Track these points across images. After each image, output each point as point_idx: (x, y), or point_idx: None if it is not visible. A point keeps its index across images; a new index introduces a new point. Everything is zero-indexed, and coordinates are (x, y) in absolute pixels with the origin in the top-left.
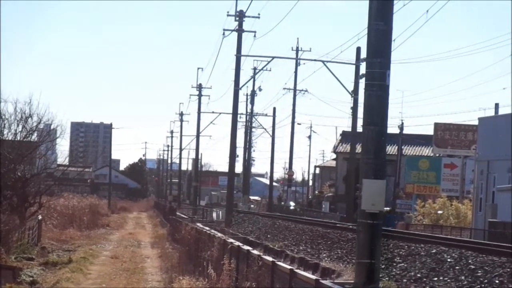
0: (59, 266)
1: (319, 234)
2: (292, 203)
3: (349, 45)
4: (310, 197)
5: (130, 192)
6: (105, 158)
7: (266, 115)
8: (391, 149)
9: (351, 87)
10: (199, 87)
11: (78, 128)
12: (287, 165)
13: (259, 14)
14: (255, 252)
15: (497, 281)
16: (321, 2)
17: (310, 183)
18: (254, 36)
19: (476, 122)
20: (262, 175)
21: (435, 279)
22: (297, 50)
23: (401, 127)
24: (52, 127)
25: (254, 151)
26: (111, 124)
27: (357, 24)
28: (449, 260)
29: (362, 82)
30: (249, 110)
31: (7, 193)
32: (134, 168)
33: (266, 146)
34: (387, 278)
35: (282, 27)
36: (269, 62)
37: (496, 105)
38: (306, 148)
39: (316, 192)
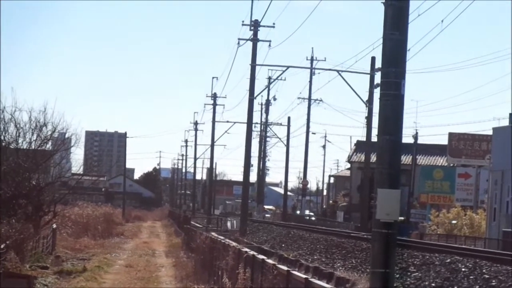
0: (73, 275)
1: (333, 243)
2: (309, 213)
3: (364, 55)
4: (324, 206)
5: (145, 201)
6: (120, 167)
7: (280, 124)
8: (406, 159)
9: (365, 97)
10: (214, 96)
11: (92, 137)
12: (302, 175)
13: (274, 23)
14: (270, 261)
15: None
16: (336, 12)
17: (325, 192)
18: (269, 45)
19: (490, 132)
20: (276, 185)
21: None
22: (311, 60)
23: (415, 137)
24: (66, 136)
25: (268, 160)
26: (125, 133)
27: (372, 34)
28: (463, 269)
29: (376, 92)
30: (263, 120)
31: (22, 201)
32: (149, 177)
33: (281, 156)
34: None
35: (297, 36)
36: (284, 71)
37: (511, 115)
38: (321, 158)
39: (331, 201)
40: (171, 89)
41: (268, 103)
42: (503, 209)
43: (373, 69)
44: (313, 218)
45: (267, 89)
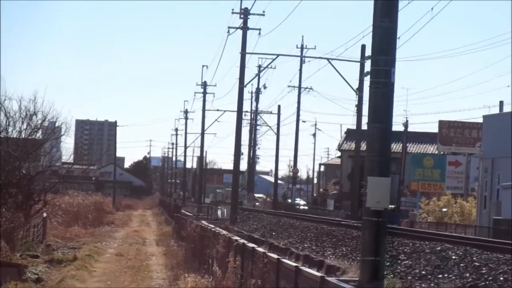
0: (64, 263)
1: (324, 231)
2: (301, 201)
3: (354, 43)
4: (315, 194)
5: (135, 189)
6: (110, 156)
7: (271, 113)
8: (396, 147)
9: (356, 85)
10: (204, 84)
11: (82, 126)
12: (292, 163)
13: (264, 11)
14: (260, 249)
15: (501, 278)
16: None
17: (315, 180)
18: (259, 33)
19: (480, 120)
20: (266, 173)
21: (440, 276)
22: (302, 48)
23: (405, 125)
24: (56, 124)
25: (259, 148)
26: (115, 122)
27: (362, 22)
28: (453, 257)
29: (367, 80)
30: (253, 108)
31: (12, 190)
32: (139, 166)
33: (271, 144)
34: (392, 275)
35: (286, 24)
36: (274, 59)
37: (501, 103)
38: (311, 146)
39: (321, 189)
40: (161, 77)
41: (258, 91)
42: (494, 197)
43: (363, 57)
44: (306, 207)
45: (257, 77)
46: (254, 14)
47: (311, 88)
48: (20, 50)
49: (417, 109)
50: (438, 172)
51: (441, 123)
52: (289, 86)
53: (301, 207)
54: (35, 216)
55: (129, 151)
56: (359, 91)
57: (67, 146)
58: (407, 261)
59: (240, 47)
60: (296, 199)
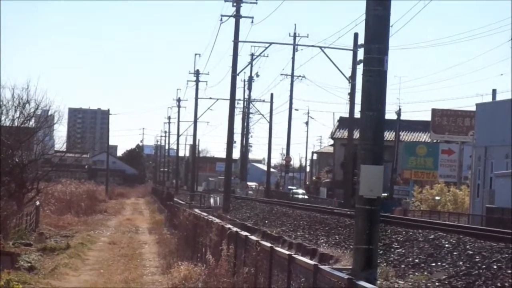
0: (57, 252)
1: (316, 220)
2: (300, 190)
3: (347, 31)
4: (307, 183)
5: (128, 178)
6: (103, 144)
7: (263, 101)
8: (389, 135)
9: (348, 73)
10: (197, 73)
11: (75, 114)
12: (285, 151)
13: None
14: (253, 237)
15: (495, 267)
16: None
17: (308, 169)
18: (252, 21)
19: (473, 108)
20: (259, 161)
21: (433, 264)
22: (294, 36)
23: (398, 113)
24: (49, 113)
25: (251, 137)
26: (108, 110)
27: (355, 10)
28: (447, 245)
29: (359, 68)
30: (246, 96)
31: (5, 179)
32: (132, 154)
33: (264, 132)
34: (385, 264)
35: (279, 12)
36: (266, 48)
37: (494, 91)
38: (304, 134)
39: (314, 178)
40: (155, 65)
41: (251, 79)
42: (487, 185)
43: (356, 45)
44: (306, 197)
45: (250, 65)
46: (246, 2)
47: (303, 77)
48: (13, 38)
49: (410, 97)
50: (431, 160)
51: (434, 112)
52: (281, 75)
53: (300, 197)
54: (28, 205)
55: (122, 139)
56: (352, 79)
57: (60, 134)
58: (400, 250)
59: (233, 35)
60: (294, 187)
